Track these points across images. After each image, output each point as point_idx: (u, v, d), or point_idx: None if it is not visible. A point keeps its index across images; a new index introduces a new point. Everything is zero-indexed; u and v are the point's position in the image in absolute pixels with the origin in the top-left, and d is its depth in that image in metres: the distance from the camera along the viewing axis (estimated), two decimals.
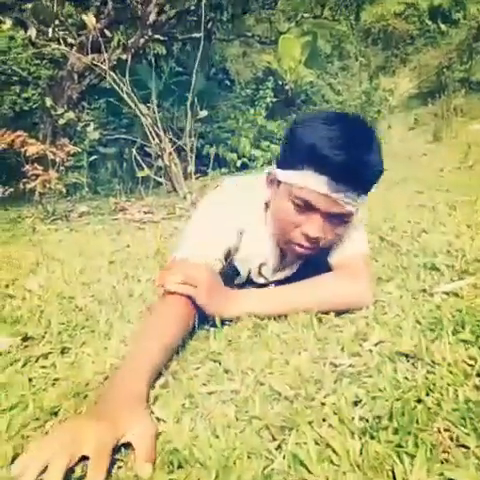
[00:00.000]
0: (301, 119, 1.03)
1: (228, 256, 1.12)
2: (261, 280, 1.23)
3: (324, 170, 0.94)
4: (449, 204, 2.04)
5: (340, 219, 1.02)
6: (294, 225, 1.03)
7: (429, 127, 7.57)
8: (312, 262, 1.19)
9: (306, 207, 1.00)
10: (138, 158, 4.00)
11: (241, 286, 1.21)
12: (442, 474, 0.55)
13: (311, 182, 0.96)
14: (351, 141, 0.95)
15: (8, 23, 4.01)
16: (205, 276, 1.00)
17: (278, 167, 1.07)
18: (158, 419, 0.73)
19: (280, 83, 7.97)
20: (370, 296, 1.08)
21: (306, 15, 7.96)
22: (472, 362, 0.77)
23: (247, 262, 1.19)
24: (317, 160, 0.94)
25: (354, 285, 1.08)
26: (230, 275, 1.20)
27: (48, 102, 3.95)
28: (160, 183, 4.15)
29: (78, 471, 0.59)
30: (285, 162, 1.04)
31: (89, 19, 4.12)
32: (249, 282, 1.24)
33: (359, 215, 1.11)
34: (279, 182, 1.06)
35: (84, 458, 0.60)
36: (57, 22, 4.27)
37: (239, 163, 6.48)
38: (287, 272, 1.24)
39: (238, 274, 1.21)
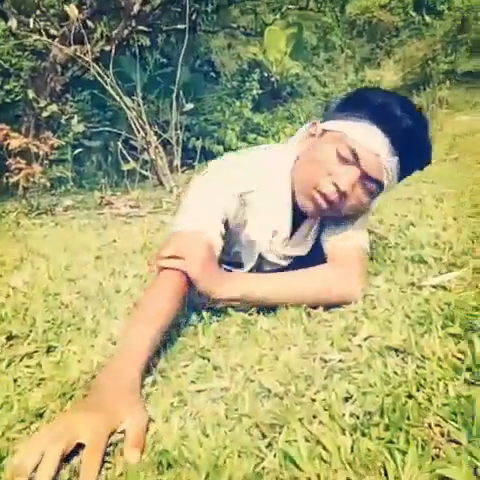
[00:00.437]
0: (369, 88, 1.08)
1: (227, 224, 1.07)
2: (270, 256, 1.16)
3: (388, 128, 0.97)
4: (436, 196, 2.05)
5: (371, 187, 1.02)
6: (328, 172, 1.01)
7: None
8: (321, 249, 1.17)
9: (350, 160, 0.99)
10: (123, 151, 3.96)
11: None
12: (434, 470, 0.55)
13: (369, 135, 0.97)
14: (418, 118, 0.99)
15: None
16: (199, 249, 0.97)
17: (327, 120, 1.08)
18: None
19: (266, 75, 7.94)
20: (359, 291, 1.07)
21: (291, 6, 7.92)
22: (462, 356, 0.77)
23: (259, 232, 1.13)
24: (385, 117, 0.97)
25: (345, 279, 1.06)
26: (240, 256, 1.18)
27: (30, 94, 3.89)
28: (146, 177, 4.11)
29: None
30: (343, 113, 1.04)
31: (71, 10, 4.05)
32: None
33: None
34: (324, 132, 1.07)
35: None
36: (38, 13, 4.19)
37: None
38: (298, 250, 1.19)
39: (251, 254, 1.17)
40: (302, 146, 1.12)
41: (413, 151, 1.00)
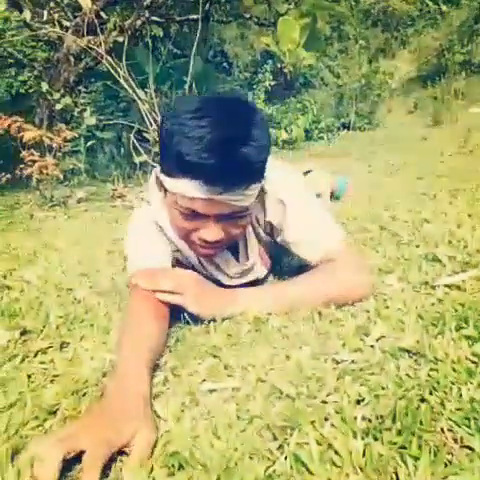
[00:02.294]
0: (169, 115, 0.92)
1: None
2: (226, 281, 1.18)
3: (199, 176, 0.86)
4: (450, 192, 2.02)
5: (235, 216, 0.96)
6: (190, 230, 0.98)
7: (429, 111, 7.51)
8: (279, 262, 1.22)
9: (194, 214, 0.93)
10: (136, 143, 3.96)
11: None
12: (446, 477, 0.54)
13: (190, 190, 0.88)
14: (223, 136, 0.84)
15: (2, 5, 3.93)
16: (189, 282, 1.01)
17: (162, 171, 0.97)
18: (159, 417, 0.72)
19: (278, 66, 7.86)
20: (368, 284, 1.07)
21: None
22: (476, 359, 0.76)
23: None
24: (188, 168, 0.86)
25: (347, 277, 1.05)
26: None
27: (44, 87, 3.89)
28: None
29: None
30: (164, 168, 0.96)
31: (85, 1, 4.05)
32: None
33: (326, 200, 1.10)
34: (166, 191, 0.98)
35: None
36: (52, 4, 4.19)
37: None
38: (257, 273, 1.19)
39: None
40: (160, 193, 1.05)
41: (236, 174, 0.88)
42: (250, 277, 1.18)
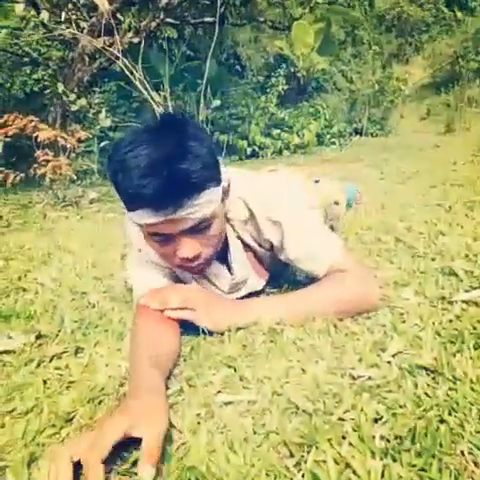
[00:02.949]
0: (110, 155, 0.92)
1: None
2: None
3: (146, 205, 0.87)
4: (465, 204, 2.01)
5: (202, 226, 0.95)
6: (171, 255, 0.98)
7: (441, 118, 7.48)
8: (280, 275, 1.23)
9: (165, 237, 0.94)
10: None
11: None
12: None
13: (146, 218, 0.89)
14: (157, 159, 0.84)
15: (21, 7, 3.96)
16: (198, 297, 1.02)
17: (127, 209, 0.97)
18: (174, 428, 0.72)
19: (292, 70, 7.86)
20: (377, 297, 1.07)
21: (320, 0, 7.80)
22: None
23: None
24: (134, 200, 0.88)
25: (355, 284, 1.05)
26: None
27: (60, 88, 3.91)
28: None
29: None
30: (124, 205, 0.95)
31: (101, 1, 4.07)
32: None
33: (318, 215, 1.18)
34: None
35: None
36: (70, 6, 4.21)
37: (249, 151, 6.42)
38: (255, 285, 1.20)
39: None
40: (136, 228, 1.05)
41: (181, 191, 0.87)
42: (245, 291, 1.18)
